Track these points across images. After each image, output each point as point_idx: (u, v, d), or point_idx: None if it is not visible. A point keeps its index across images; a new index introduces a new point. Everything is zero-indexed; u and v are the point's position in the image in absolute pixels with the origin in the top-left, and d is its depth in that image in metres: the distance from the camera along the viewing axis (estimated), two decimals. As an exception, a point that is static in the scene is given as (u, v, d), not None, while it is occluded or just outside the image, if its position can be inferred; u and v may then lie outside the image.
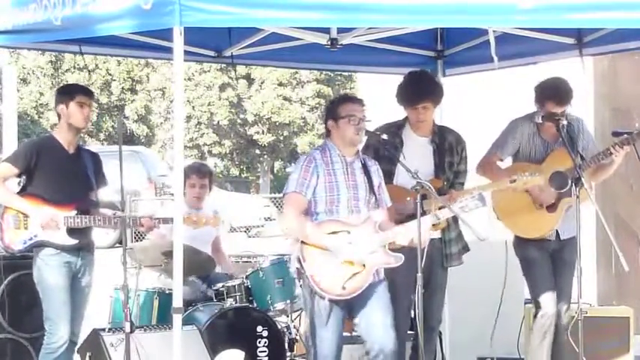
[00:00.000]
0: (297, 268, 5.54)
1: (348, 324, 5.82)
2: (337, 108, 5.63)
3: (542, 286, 6.26)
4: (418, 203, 5.46)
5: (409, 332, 6.28)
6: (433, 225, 5.70)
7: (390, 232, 5.53)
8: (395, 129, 6.13)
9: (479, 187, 6.04)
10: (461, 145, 6.29)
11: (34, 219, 5.93)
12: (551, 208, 6.22)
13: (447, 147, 6.20)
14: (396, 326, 6.10)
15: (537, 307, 6.30)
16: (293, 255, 5.62)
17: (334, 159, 5.60)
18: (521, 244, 6.37)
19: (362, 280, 5.46)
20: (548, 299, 6.24)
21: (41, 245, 5.97)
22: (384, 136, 5.77)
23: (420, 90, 6.12)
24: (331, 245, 5.43)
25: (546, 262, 6.30)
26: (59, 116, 6.10)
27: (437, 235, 6.02)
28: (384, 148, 5.88)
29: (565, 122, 6.14)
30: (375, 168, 5.72)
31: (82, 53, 6.88)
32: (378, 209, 5.60)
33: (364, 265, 5.46)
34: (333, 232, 5.48)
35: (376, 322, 5.53)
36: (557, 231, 6.29)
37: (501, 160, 6.35)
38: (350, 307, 5.55)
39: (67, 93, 6.12)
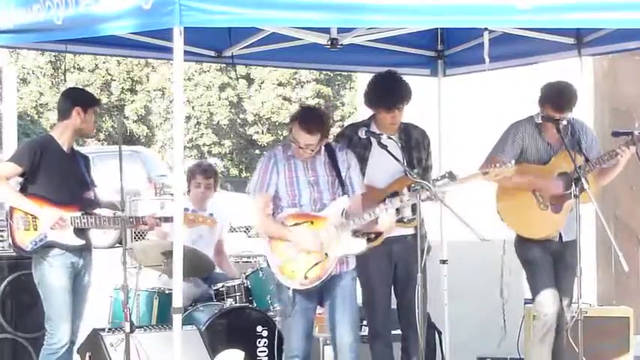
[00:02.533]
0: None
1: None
2: (292, 127, 5.60)
3: (543, 286, 6.26)
4: (418, 203, 5.46)
5: (399, 333, 6.27)
6: (408, 222, 5.74)
7: (352, 219, 5.58)
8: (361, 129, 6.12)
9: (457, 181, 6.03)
10: (427, 141, 6.35)
11: (43, 220, 5.94)
12: (556, 209, 6.21)
13: (413, 143, 6.25)
14: (377, 325, 6.13)
15: (538, 307, 6.30)
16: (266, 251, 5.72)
17: (293, 155, 5.65)
18: (522, 244, 6.36)
19: (323, 268, 5.52)
20: (548, 299, 6.23)
21: (50, 246, 5.98)
22: (384, 136, 5.79)
23: (397, 94, 6.12)
24: (292, 237, 5.53)
25: (548, 262, 6.29)
26: (67, 116, 6.08)
27: (411, 231, 6.00)
28: (384, 148, 5.86)
29: (565, 122, 6.15)
30: (343, 158, 5.73)
31: (67, 52, 6.89)
32: (343, 197, 5.64)
33: (326, 254, 5.51)
34: (296, 224, 5.56)
35: (336, 316, 5.62)
36: (560, 233, 6.29)
37: (503, 163, 6.33)
38: (319, 296, 5.63)
39: (87, 99, 6.19)
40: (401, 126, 6.24)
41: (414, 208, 5.85)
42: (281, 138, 33.39)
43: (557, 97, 6.16)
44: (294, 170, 5.64)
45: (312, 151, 5.59)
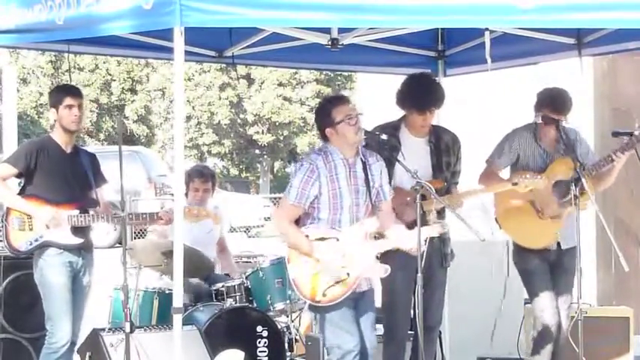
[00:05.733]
0: None
1: None
2: (331, 113, 5.50)
3: (543, 298, 6.22)
4: (418, 204, 5.45)
5: (409, 332, 6.27)
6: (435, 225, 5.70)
7: (381, 241, 5.49)
8: (391, 130, 6.08)
9: (481, 189, 6.04)
10: (457, 145, 6.29)
11: (37, 219, 5.94)
12: (555, 217, 6.20)
13: (443, 147, 6.20)
14: (395, 327, 6.11)
15: (538, 319, 6.28)
16: None
17: (337, 163, 5.51)
18: (521, 255, 6.34)
19: (344, 288, 5.41)
20: (548, 311, 6.22)
21: (46, 246, 5.98)
22: (384, 136, 5.74)
23: (431, 96, 6.09)
24: (316, 254, 5.40)
25: (546, 272, 6.26)
26: (54, 118, 6.15)
27: (435, 234, 5.99)
28: (384, 149, 5.86)
29: (565, 123, 6.15)
30: (377, 165, 5.64)
31: (70, 52, 6.89)
32: (372, 218, 5.51)
33: (348, 274, 5.41)
34: (322, 239, 5.44)
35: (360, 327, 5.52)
36: (558, 241, 6.28)
37: (500, 170, 6.33)
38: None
39: (55, 97, 6.16)
40: (431, 128, 6.20)
41: (439, 212, 5.84)
42: (281, 138, 33.45)
43: (556, 99, 6.16)
44: (337, 181, 5.48)
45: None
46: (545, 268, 6.28)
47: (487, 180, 6.25)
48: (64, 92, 6.19)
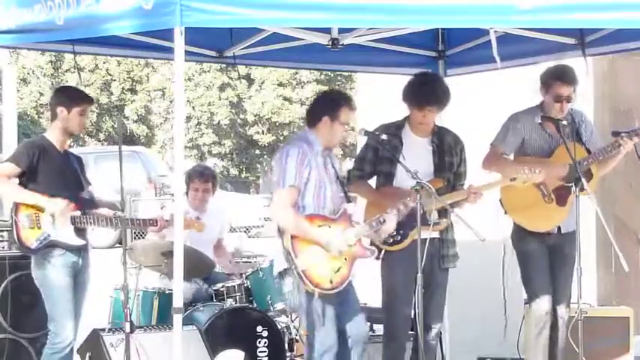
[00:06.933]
0: (285, 269, 5.59)
1: None
2: (340, 109, 5.62)
3: (538, 282, 6.28)
4: (418, 203, 5.45)
5: (410, 332, 6.27)
6: (435, 225, 5.72)
7: (365, 225, 5.59)
8: (394, 129, 6.10)
9: (480, 186, 6.04)
10: (460, 146, 6.28)
11: (50, 209, 5.91)
12: (561, 202, 6.22)
13: (446, 148, 6.19)
14: (395, 327, 6.11)
15: (532, 303, 6.30)
16: (278, 255, 5.64)
17: (317, 152, 5.62)
18: (520, 236, 6.37)
19: (345, 273, 5.50)
20: (542, 296, 6.25)
21: (51, 246, 5.97)
22: (384, 137, 5.76)
23: (428, 94, 6.08)
24: (324, 239, 5.46)
25: (544, 257, 6.30)
26: (54, 115, 6.10)
27: (436, 235, 6.01)
28: (384, 149, 5.88)
29: (565, 122, 6.16)
30: (337, 168, 5.77)
31: (75, 53, 6.88)
32: (350, 203, 5.64)
33: (345, 259, 5.50)
34: (319, 226, 5.52)
35: (349, 313, 5.63)
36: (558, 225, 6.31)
37: (506, 154, 6.35)
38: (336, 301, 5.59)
39: (71, 98, 6.11)
40: (434, 129, 6.20)
41: (440, 212, 5.85)
42: (281, 138, 33.44)
43: (566, 72, 6.23)
44: (322, 169, 5.58)
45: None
46: (544, 252, 6.30)
47: (491, 164, 6.27)
48: (82, 98, 6.16)
